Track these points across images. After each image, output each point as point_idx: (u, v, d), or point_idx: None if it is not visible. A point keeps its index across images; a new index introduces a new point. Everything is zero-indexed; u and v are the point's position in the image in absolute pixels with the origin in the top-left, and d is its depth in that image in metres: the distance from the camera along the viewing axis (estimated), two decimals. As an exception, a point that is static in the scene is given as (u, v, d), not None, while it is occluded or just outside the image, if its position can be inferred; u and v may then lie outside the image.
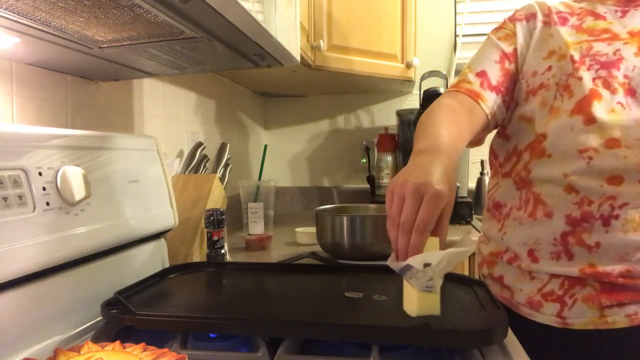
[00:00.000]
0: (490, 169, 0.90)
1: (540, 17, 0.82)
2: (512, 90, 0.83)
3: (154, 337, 0.58)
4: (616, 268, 0.68)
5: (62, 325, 0.62)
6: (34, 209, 0.57)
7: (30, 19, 0.58)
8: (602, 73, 0.72)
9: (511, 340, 0.58)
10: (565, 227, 0.71)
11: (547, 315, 0.73)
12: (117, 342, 0.51)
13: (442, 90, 1.61)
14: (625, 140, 0.68)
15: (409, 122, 1.74)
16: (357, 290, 0.70)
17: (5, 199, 0.53)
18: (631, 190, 0.68)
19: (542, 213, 0.74)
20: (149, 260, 0.83)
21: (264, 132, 2.10)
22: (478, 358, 0.54)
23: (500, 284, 0.82)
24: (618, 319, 0.69)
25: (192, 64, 0.86)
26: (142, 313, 0.60)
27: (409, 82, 1.71)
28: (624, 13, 0.76)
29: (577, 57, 0.74)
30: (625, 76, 0.71)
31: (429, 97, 1.62)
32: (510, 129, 0.84)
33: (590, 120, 0.70)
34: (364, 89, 1.91)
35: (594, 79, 0.72)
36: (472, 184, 1.86)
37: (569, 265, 0.71)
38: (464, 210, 1.65)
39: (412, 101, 1.97)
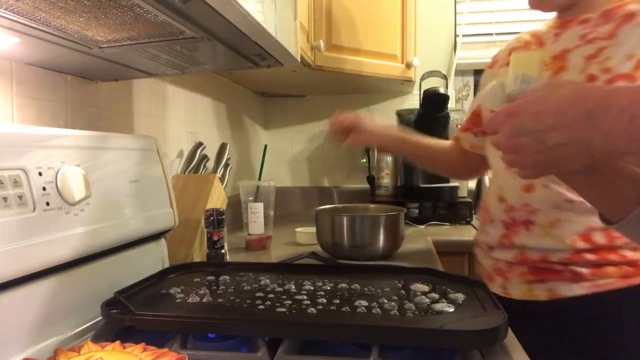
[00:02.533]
0: None
1: (499, 63, 1.00)
2: (480, 122, 1.04)
3: (154, 337, 0.58)
4: (537, 256, 0.85)
5: (62, 325, 0.62)
6: (34, 209, 0.57)
7: (30, 19, 0.58)
8: None
9: (511, 341, 0.59)
10: (502, 231, 0.90)
11: (496, 287, 0.92)
12: (117, 342, 0.51)
13: (442, 90, 1.61)
14: None
15: (408, 122, 1.74)
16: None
17: (5, 199, 0.53)
18: (540, 196, 0.83)
19: (488, 219, 0.94)
20: (149, 260, 0.83)
21: (264, 132, 2.10)
22: (478, 358, 0.54)
23: (476, 260, 1.05)
24: (541, 292, 0.84)
25: (192, 64, 0.86)
26: (142, 313, 0.60)
27: (409, 82, 1.71)
28: (557, 36, 0.86)
29: None
30: None
31: (429, 97, 1.62)
32: None
33: None
34: (364, 89, 1.92)
35: None
36: (472, 184, 1.86)
37: (508, 253, 0.90)
38: (463, 210, 1.65)
39: (412, 101, 1.97)
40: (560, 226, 0.81)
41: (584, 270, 0.80)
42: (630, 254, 0.78)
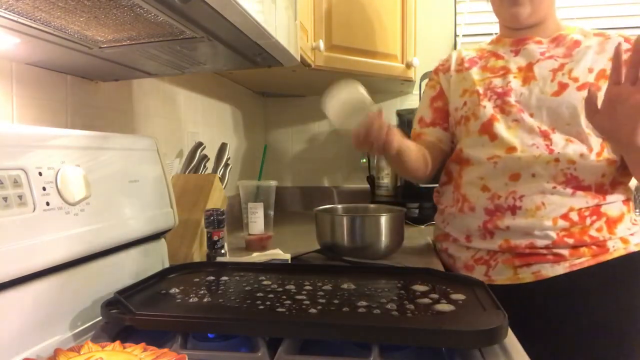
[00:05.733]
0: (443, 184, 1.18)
1: (454, 67, 1.13)
2: (448, 118, 1.13)
3: (154, 337, 0.58)
4: (523, 242, 0.94)
5: (62, 325, 0.62)
6: (34, 209, 0.57)
7: (30, 19, 0.58)
8: (499, 102, 1.00)
9: (511, 340, 0.59)
10: (485, 217, 0.98)
11: (477, 275, 0.98)
12: (117, 342, 0.51)
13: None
14: (520, 146, 0.95)
15: (409, 122, 1.74)
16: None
17: (5, 199, 0.53)
18: (526, 184, 0.94)
19: (467, 208, 1.02)
20: (149, 260, 0.83)
21: (264, 132, 2.10)
22: (478, 358, 0.54)
23: (447, 254, 1.10)
24: (526, 275, 0.95)
25: (192, 64, 0.86)
26: (142, 313, 0.60)
27: (409, 82, 1.71)
28: (517, 52, 1.05)
29: (481, 91, 1.03)
30: (517, 101, 0.98)
31: (429, 97, 1.62)
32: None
33: (494, 137, 0.99)
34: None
35: (494, 107, 1.00)
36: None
37: (492, 242, 0.98)
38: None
39: (412, 101, 1.97)
40: (546, 209, 0.93)
41: (564, 252, 0.93)
42: (595, 234, 0.92)
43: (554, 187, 0.93)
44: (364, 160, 1.98)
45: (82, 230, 0.64)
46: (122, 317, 0.59)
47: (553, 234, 0.93)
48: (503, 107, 0.99)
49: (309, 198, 2.08)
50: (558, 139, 0.94)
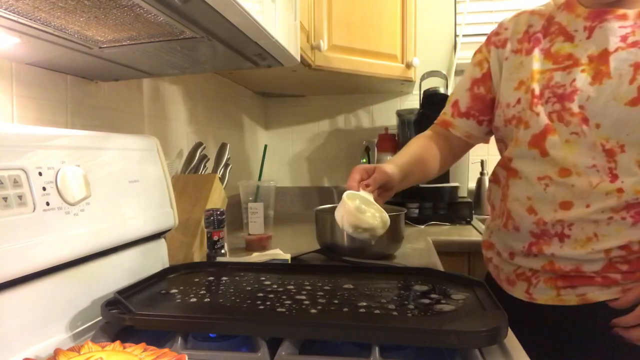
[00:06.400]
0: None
1: (512, 44, 0.89)
2: (487, 109, 0.96)
3: (154, 337, 0.58)
4: (568, 266, 0.80)
5: (62, 325, 0.62)
6: (34, 209, 0.57)
7: (30, 19, 0.58)
8: (557, 107, 0.79)
9: (511, 340, 0.59)
10: (530, 239, 0.84)
11: (518, 291, 0.88)
12: (117, 342, 0.51)
13: (442, 90, 1.61)
14: (576, 167, 0.77)
15: (409, 122, 1.74)
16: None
17: (5, 199, 0.53)
18: (578, 213, 0.78)
19: (512, 226, 0.87)
20: (149, 260, 0.83)
21: (264, 132, 2.10)
22: (478, 358, 0.54)
23: (492, 264, 0.98)
24: (570, 298, 0.81)
25: (192, 64, 0.86)
26: (142, 313, 0.60)
27: (409, 82, 1.71)
28: (591, 31, 0.79)
29: (537, 90, 0.81)
30: (580, 106, 0.77)
31: (429, 97, 1.62)
32: (498, 146, 0.99)
33: (545, 153, 0.80)
34: (364, 89, 1.92)
35: (549, 113, 0.80)
36: (472, 184, 1.86)
37: (535, 262, 0.85)
38: (463, 210, 1.65)
39: (412, 101, 1.97)
40: (598, 241, 0.77)
41: (617, 276, 0.77)
42: None
43: (610, 217, 0.76)
44: (364, 161, 1.98)
45: (82, 231, 0.64)
46: (122, 317, 0.59)
47: (604, 262, 0.78)
48: (562, 115, 0.78)
49: (309, 198, 2.08)
50: (627, 160, 0.74)
